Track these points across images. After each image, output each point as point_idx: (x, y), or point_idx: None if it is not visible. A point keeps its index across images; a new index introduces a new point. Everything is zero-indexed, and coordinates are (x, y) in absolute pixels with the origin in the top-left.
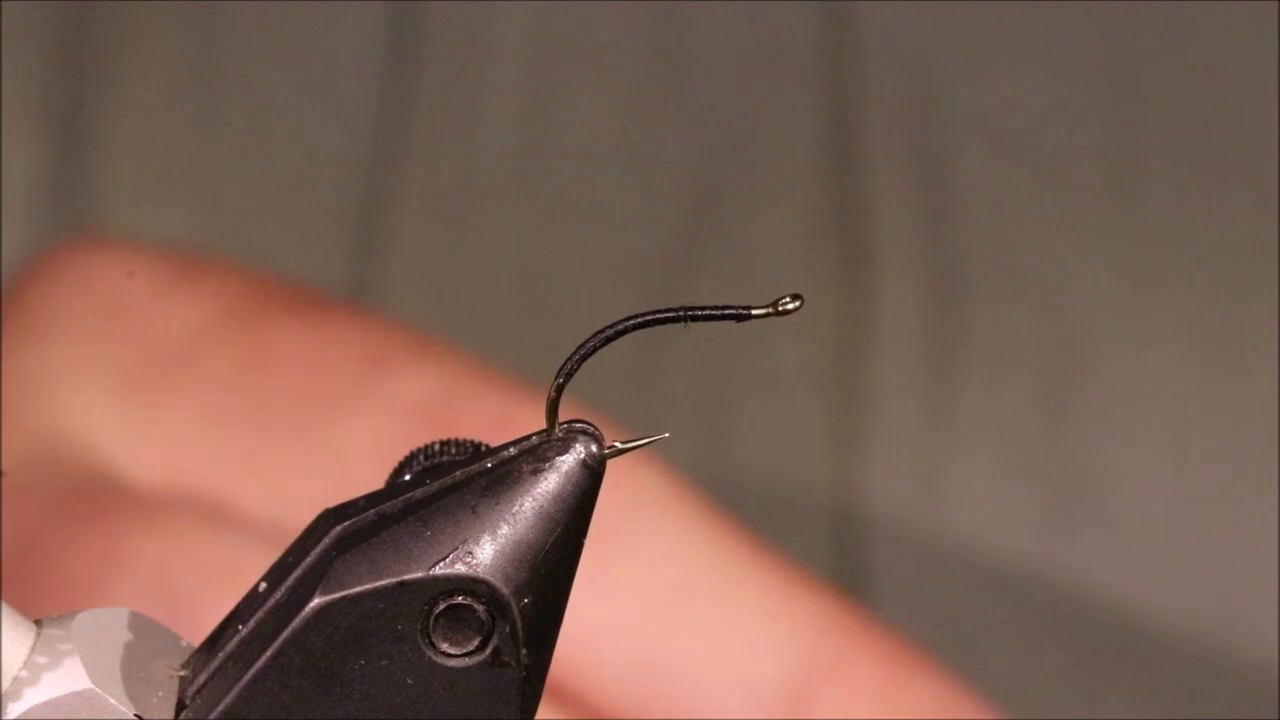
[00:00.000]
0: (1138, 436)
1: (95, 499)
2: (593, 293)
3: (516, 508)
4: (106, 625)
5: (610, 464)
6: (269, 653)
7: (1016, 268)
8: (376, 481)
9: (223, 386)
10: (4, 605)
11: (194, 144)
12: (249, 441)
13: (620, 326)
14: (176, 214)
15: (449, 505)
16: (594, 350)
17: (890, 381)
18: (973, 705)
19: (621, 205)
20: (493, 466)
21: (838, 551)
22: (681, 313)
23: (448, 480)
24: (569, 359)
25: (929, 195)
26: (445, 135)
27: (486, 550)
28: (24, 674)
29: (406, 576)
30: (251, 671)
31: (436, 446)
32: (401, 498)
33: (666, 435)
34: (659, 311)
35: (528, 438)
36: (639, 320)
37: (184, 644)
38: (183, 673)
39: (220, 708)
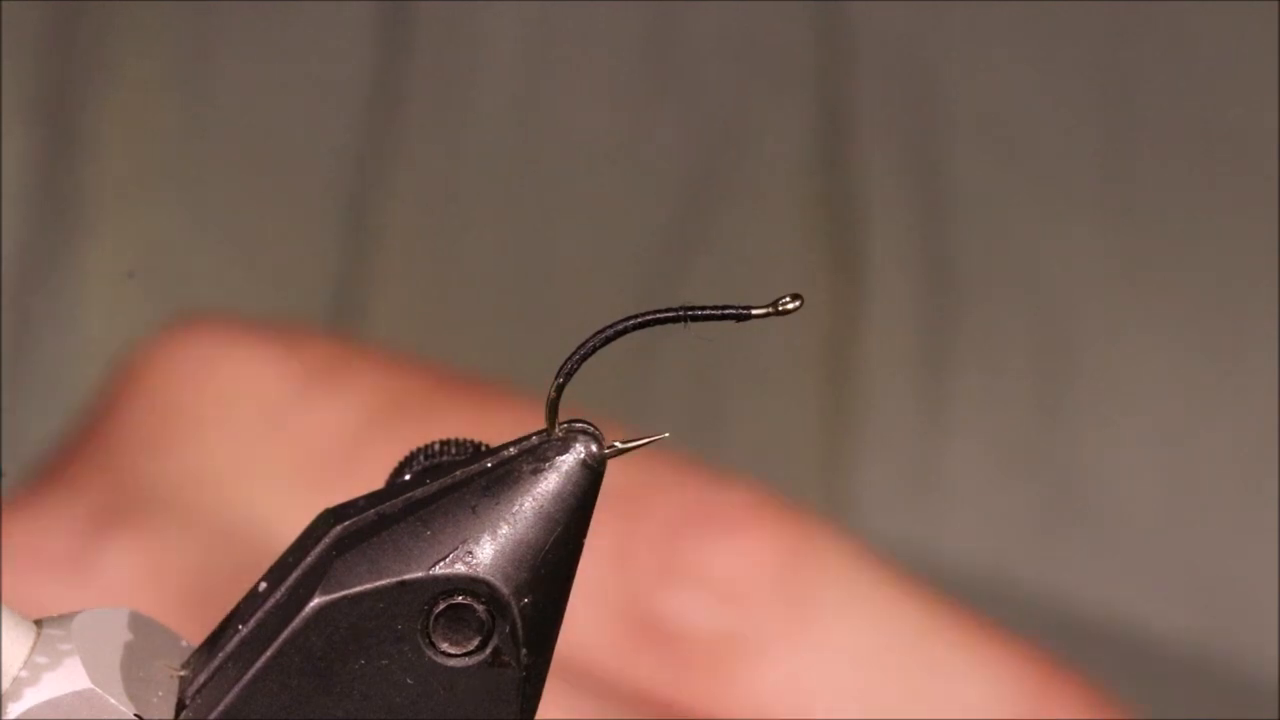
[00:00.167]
0: (1131, 434)
1: None
2: (586, 291)
3: (516, 507)
4: (106, 625)
5: (798, 538)
6: (269, 653)
7: (1010, 265)
8: None
9: None
10: (4, 605)
11: (184, 141)
12: None
13: (620, 326)
14: (167, 211)
15: (449, 505)
16: (594, 350)
17: (883, 379)
18: None
19: (614, 203)
20: (493, 466)
21: None
22: (681, 313)
23: (448, 480)
24: (569, 359)
25: (922, 193)
26: (436, 133)
27: (486, 550)
28: (24, 674)
29: (406, 576)
30: (251, 671)
31: (436, 446)
32: (401, 498)
33: (666, 435)
34: (659, 311)
35: (528, 437)
36: (639, 320)
37: (184, 644)
38: (183, 673)
39: (220, 708)
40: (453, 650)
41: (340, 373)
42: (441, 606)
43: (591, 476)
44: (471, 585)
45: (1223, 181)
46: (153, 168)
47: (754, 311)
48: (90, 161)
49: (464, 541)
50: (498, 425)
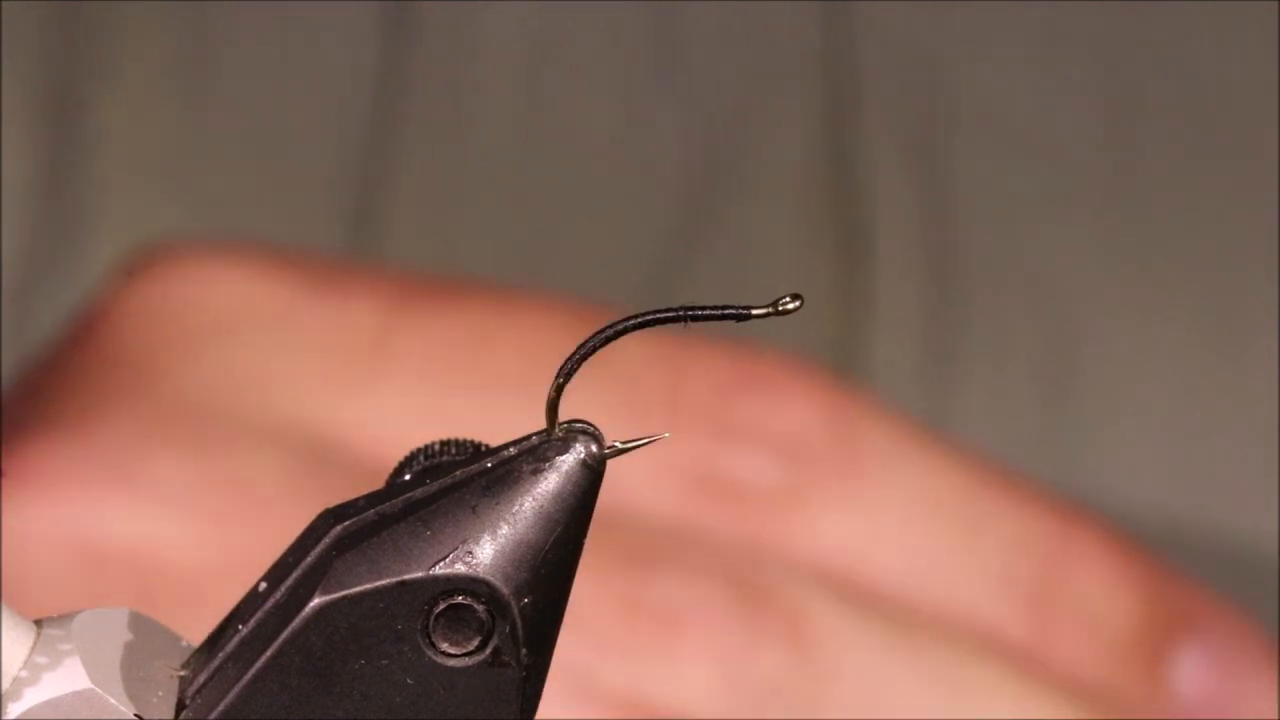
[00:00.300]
0: (1136, 427)
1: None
2: (589, 283)
3: (516, 508)
4: (106, 625)
5: (841, 398)
6: (269, 653)
7: (1014, 259)
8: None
9: (434, 368)
10: (4, 605)
11: (185, 140)
12: (475, 414)
13: (620, 326)
14: (171, 204)
15: (449, 505)
16: (594, 350)
17: (887, 373)
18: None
19: (618, 198)
20: (493, 466)
21: None
22: (682, 312)
23: (448, 480)
24: (569, 359)
25: (927, 188)
26: (439, 128)
27: (486, 550)
28: (24, 674)
29: (406, 576)
30: (251, 671)
31: (436, 446)
32: (401, 498)
33: (667, 435)
34: (659, 311)
35: (528, 437)
36: (639, 320)
37: (184, 644)
38: (183, 673)
39: (220, 708)
40: (453, 650)
41: (344, 278)
42: (441, 606)
43: (591, 476)
44: (471, 585)
45: (1228, 177)
46: (153, 167)
47: (754, 312)
48: (90, 161)
49: (464, 541)
50: (513, 318)
